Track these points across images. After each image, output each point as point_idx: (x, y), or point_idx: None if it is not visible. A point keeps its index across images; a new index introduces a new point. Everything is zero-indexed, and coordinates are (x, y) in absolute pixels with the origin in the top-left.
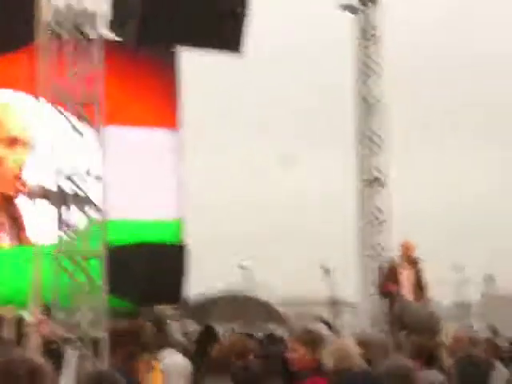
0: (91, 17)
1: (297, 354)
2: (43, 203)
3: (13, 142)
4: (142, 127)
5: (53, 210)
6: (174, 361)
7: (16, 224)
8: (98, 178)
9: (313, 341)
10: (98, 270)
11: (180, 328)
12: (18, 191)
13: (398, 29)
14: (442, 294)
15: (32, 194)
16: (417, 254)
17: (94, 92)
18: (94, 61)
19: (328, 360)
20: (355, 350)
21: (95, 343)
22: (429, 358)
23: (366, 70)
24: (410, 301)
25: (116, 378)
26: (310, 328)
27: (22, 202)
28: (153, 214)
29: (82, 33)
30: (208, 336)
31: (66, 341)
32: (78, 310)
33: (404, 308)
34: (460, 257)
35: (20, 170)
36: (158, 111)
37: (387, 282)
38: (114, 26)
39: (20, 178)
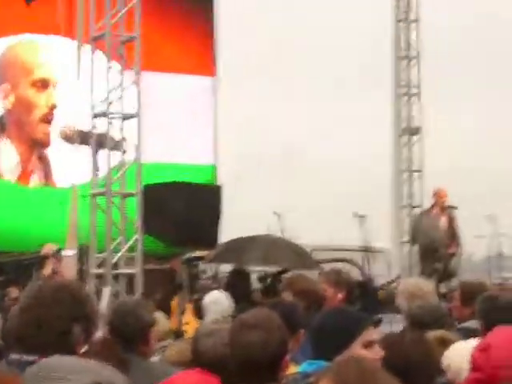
0: None
1: (326, 293)
2: (79, 145)
3: (43, 84)
4: (179, 73)
5: (89, 151)
6: (215, 297)
7: (44, 165)
8: (134, 118)
9: (343, 280)
10: (133, 209)
11: (213, 270)
12: (48, 136)
13: None
14: (475, 246)
15: (68, 137)
16: (449, 202)
17: (132, 32)
18: (133, 2)
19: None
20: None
21: (130, 281)
22: None
23: (405, 20)
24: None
25: (140, 313)
26: (339, 268)
27: (56, 144)
28: (188, 159)
29: None
30: (239, 278)
31: (101, 278)
32: (114, 248)
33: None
34: (495, 210)
35: (50, 113)
36: (196, 57)
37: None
38: None
39: (50, 122)
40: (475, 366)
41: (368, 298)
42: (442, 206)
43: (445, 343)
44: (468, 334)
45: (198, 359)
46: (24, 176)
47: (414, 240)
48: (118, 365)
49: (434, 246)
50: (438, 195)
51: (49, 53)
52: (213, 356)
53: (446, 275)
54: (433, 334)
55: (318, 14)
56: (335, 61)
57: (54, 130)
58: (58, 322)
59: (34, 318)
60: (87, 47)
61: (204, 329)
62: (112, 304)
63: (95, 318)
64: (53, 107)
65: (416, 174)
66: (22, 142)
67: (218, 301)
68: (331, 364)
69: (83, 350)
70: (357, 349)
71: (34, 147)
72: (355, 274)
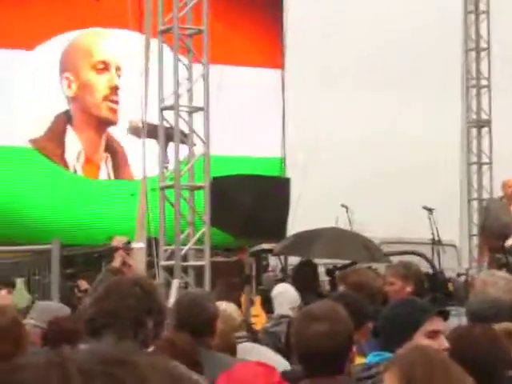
0: None
1: (394, 287)
2: (147, 138)
3: (104, 66)
4: (247, 66)
5: (157, 144)
6: (284, 288)
7: (115, 157)
8: (202, 111)
9: (411, 273)
10: (202, 202)
11: (280, 263)
12: (113, 112)
13: None
14: None
15: (135, 129)
16: None
17: (200, 25)
18: None
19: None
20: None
21: (198, 273)
22: None
23: (475, 11)
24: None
25: (206, 304)
26: (407, 261)
27: (126, 138)
28: (256, 152)
29: None
30: (306, 270)
31: (170, 269)
32: (183, 241)
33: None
34: None
35: (114, 93)
36: (264, 49)
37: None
38: None
39: (114, 102)
40: None
41: (437, 291)
42: (510, 197)
43: (511, 335)
44: None
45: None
46: (93, 167)
47: (484, 220)
48: (193, 361)
49: (504, 232)
50: (507, 186)
51: (114, 42)
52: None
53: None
54: (497, 327)
55: (384, 7)
56: (405, 51)
57: (122, 118)
58: (133, 313)
59: (111, 308)
60: (155, 41)
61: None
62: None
63: (166, 312)
64: (115, 88)
65: (485, 166)
66: (89, 126)
67: (285, 292)
68: (396, 354)
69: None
70: (421, 339)
71: (102, 129)
72: (424, 267)
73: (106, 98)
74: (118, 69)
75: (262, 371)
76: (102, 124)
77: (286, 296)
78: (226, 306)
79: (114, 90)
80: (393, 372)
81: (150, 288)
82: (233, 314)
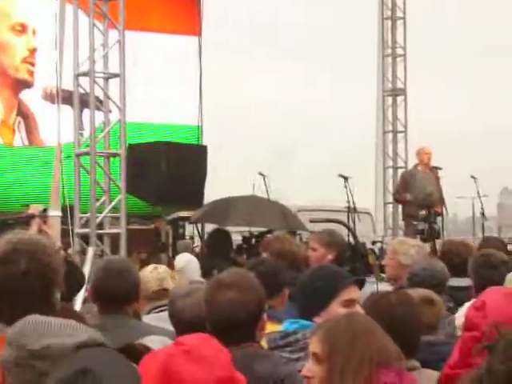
0: None
1: (316, 253)
2: (62, 104)
3: (22, 29)
4: (163, 33)
5: (72, 110)
6: (187, 259)
7: (29, 124)
8: (118, 77)
9: (334, 241)
10: (117, 169)
11: (198, 230)
12: (31, 74)
13: None
14: (459, 207)
15: (50, 96)
16: (434, 162)
17: None
18: None
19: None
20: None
21: (114, 241)
22: None
23: None
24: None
25: (126, 268)
26: (331, 229)
27: (37, 103)
28: (173, 119)
29: None
30: (220, 237)
31: (85, 237)
32: (98, 208)
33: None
34: (476, 171)
35: (31, 56)
36: (179, 17)
37: (399, 190)
38: None
39: (32, 64)
40: (471, 325)
41: (357, 261)
42: (426, 165)
43: (431, 303)
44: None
45: (176, 319)
46: (9, 131)
47: (404, 192)
48: None
49: (431, 200)
50: (422, 153)
51: (30, 5)
52: (190, 316)
53: (431, 236)
54: (417, 294)
55: None
56: (323, 21)
57: (36, 83)
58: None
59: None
60: (70, 6)
61: (180, 289)
62: (96, 263)
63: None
64: (33, 50)
65: (400, 134)
66: (6, 86)
67: (191, 262)
68: (320, 323)
69: None
70: (336, 307)
71: (18, 91)
72: (345, 236)
73: (24, 60)
74: (34, 32)
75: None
76: (19, 86)
77: (193, 265)
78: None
79: (32, 52)
80: (318, 337)
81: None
82: (151, 281)
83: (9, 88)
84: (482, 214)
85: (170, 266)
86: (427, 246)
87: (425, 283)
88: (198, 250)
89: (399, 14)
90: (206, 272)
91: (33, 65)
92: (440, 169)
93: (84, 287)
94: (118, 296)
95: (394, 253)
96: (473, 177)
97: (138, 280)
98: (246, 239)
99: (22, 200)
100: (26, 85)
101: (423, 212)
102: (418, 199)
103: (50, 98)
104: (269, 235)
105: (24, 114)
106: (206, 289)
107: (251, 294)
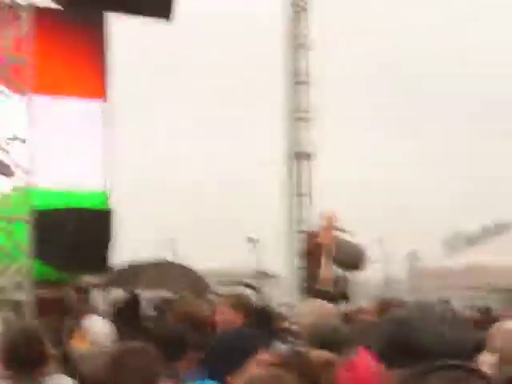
0: None
1: (224, 316)
2: None
3: None
4: (69, 97)
5: None
6: (97, 326)
7: None
8: (23, 142)
9: (242, 304)
10: (23, 234)
11: (104, 296)
12: None
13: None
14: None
15: None
16: (340, 225)
17: (22, 56)
18: (23, 25)
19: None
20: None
21: (18, 306)
22: None
23: (297, 45)
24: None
25: (39, 332)
26: (239, 292)
27: None
28: (79, 184)
29: None
30: (129, 303)
31: None
32: (2, 274)
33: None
34: (384, 233)
35: None
36: (86, 81)
37: (310, 240)
38: None
39: None
40: None
41: (265, 323)
42: (332, 228)
43: (332, 364)
44: None
45: (81, 381)
46: None
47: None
48: None
49: (355, 262)
50: (328, 217)
51: None
52: (94, 378)
53: (337, 298)
54: (317, 355)
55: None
56: (228, 81)
57: None
58: None
59: None
60: None
61: (88, 352)
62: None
63: None
64: None
65: (306, 198)
66: None
67: (96, 327)
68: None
69: None
70: (251, 367)
71: None
72: (254, 299)
73: None
74: None
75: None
76: None
77: (102, 329)
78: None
79: None
80: None
81: None
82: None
83: None
84: (388, 279)
85: (76, 331)
86: (334, 308)
87: (325, 343)
88: (105, 315)
89: (306, 78)
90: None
91: None
92: (345, 232)
93: None
94: (29, 361)
95: (300, 314)
96: (378, 239)
97: (45, 345)
98: (156, 307)
99: None
100: None
101: (327, 275)
102: (345, 259)
103: None
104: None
105: None
106: (110, 356)
107: (150, 364)
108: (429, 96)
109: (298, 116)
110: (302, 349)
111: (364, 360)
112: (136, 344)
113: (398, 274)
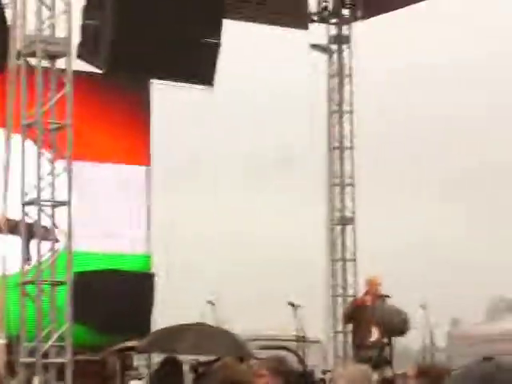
0: (64, 46)
1: (264, 380)
2: (9, 234)
3: None
4: (111, 163)
5: (18, 239)
6: None
7: None
8: (65, 206)
9: (282, 368)
10: (64, 297)
11: (145, 360)
12: None
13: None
14: (409, 336)
15: None
16: (383, 290)
17: (64, 121)
18: (65, 90)
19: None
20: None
21: (60, 370)
22: None
23: (337, 111)
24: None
25: None
26: (280, 356)
27: None
28: (121, 249)
29: (53, 62)
30: (170, 367)
31: (31, 367)
32: (44, 337)
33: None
34: (426, 298)
35: None
36: (129, 147)
37: (353, 303)
38: (85, 53)
39: None
40: None
41: None
42: (375, 294)
43: None
44: None
45: None
46: None
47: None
48: None
49: (399, 328)
50: (371, 283)
51: None
52: None
53: (380, 363)
54: None
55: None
56: (270, 147)
57: None
58: None
59: None
60: (18, 136)
61: None
62: None
63: None
64: None
65: (349, 262)
66: None
67: None
68: None
69: None
70: None
71: None
72: (295, 364)
73: None
74: None
75: None
76: None
77: None
78: None
79: None
80: None
81: None
82: None
83: None
84: (432, 344)
85: None
86: (375, 374)
87: None
88: (146, 379)
89: (347, 143)
90: None
91: None
92: (388, 297)
93: None
94: None
95: (334, 379)
96: (422, 306)
97: None
98: (193, 367)
99: None
100: None
101: (372, 339)
102: (392, 324)
103: None
104: (217, 363)
105: None
106: None
107: None
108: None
109: (339, 182)
110: None
111: None
112: None
113: (439, 339)
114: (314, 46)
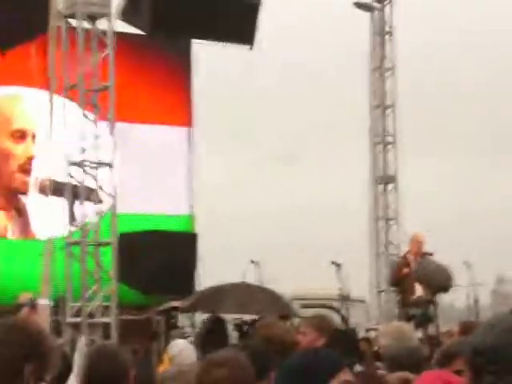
0: (105, 7)
1: (307, 337)
2: (54, 196)
3: (21, 135)
4: (153, 124)
5: (64, 201)
6: (183, 350)
7: (22, 217)
8: (109, 167)
9: (325, 326)
10: (109, 258)
11: (189, 319)
12: (25, 184)
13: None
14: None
15: (43, 188)
16: (427, 248)
17: (106, 82)
18: (107, 52)
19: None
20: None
21: (105, 330)
22: None
23: (380, 70)
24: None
25: (118, 352)
26: (323, 314)
27: (32, 195)
28: (164, 210)
29: (94, 23)
30: (215, 325)
31: (77, 326)
32: (89, 298)
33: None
34: (470, 257)
35: (28, 163)
36: (171, 108)
37: (400, 268)
38: (127, 14)
39: (28, 172)
40: None
41: (347, 346)
42: (418, 252)
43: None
44: None
45: None
46: (2, 229)
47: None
48: None
49: (448, 284)
50: (415, 241)
51: (27, 104)
52: None
53: (424, 321)
54: (396, 376)
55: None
56: (312, 110)
57: (31, 180)
58: (9, 363)
59: None
60: (61, 98)
61: (168, 373)
62: (89, 349)
63: (50, 356)
64: (30, 158)
65: (392, 221)
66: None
67: (186, 349)
68: None
69: None
70: None
71: (12, 198)
72: (337, 322)
73: (20, 168)
74: (33, 136)
75: None
76: (14, 193)
77: (188, 352)
78: None
79: (30, 159)
80: None
81: (28, 331)
82: None
83: (3, 195)
84: (476, 302)
85: (161, 356)
86: (419, 332)
87: (402, 364)
88: (191, 338)
89: (388, 102)
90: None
91: (28, 172)
92: (431, 254)
93: (73, 376)
94: (111, 380)
95: (380, 337)
96: (466, 263)
97: (129, 366)
98: (237, 326)
99: (13, 291)
100: (20, 194)
101: (416, 296)
102: (437, 281)
103: (43, 190)
104: (260, 321)
105: (18, 208)
106: (197, 367)
107: (241, 372)
108: None
109: (383, 140)
110: (380, 370)
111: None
112: (226, 356)
113: (484, 298)
114: (357, 4)
